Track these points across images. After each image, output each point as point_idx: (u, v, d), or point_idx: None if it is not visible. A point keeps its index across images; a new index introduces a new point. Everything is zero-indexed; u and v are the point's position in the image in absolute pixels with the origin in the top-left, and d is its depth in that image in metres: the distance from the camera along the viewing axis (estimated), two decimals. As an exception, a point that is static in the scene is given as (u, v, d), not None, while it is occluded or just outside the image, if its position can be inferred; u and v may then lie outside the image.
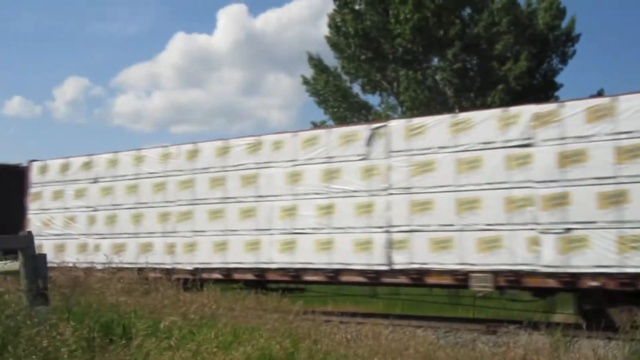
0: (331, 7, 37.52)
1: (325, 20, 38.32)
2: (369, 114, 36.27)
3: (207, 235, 18.90)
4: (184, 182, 19.42)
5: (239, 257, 18.18)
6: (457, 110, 25.55)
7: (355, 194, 16.60)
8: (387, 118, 28.19)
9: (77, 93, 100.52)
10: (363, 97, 38.26)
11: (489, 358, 8.35)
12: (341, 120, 36.13)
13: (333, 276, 16.68)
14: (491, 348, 10.63)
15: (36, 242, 17.60)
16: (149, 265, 18.91)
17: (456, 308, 18.56)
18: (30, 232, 8.94)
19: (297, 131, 18.17)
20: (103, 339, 6.88)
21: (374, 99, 38.52)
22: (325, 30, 38.29)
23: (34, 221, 22.04)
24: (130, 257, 19.66)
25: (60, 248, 21.25)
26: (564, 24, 35.65)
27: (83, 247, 20.90)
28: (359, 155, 16.64)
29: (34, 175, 22.46)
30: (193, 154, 19.49)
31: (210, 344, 7.48)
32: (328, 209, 16.95)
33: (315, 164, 17.28)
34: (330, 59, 38.57)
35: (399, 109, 35.80)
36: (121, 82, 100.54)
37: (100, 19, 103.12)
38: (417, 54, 35.28)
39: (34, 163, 22.44)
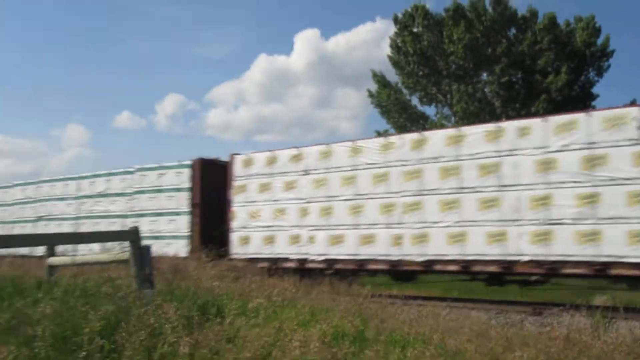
0: (393, 30, 38.11)
1: (387, 42, 38.76)
2: (426, 124, 36.35)
3: (440, 226, 16.58)
4: (410, 173, 17.11)
5: (479, 248, 15.92)
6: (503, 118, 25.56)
7: (627, 182, 14.08)
8: (442, 127, 28.19)
9: (176, 108, 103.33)
10: (420, 108, 38.21)
11: (536, 336, 8.24)
12: (401, 129, 35.98)
13: (601, 269, 14.30)
14: (537, 328, 10.44)
15: (243, 233, 20.06)
16: (370, 257, 17.45)
17: (505, 292, 18.42)
18: (136, 228, 9.13)
19: (546, 116, 16.10)
20: (200, 318, 7.03)
21: (430, 110, 38.41)
22: (387, 50, 38.61)
23: (239, 213, 20.42)
24: (348, 248, 17.81)
25: (270, 239, 19.69)
26: (600, 41, 35.02)
27: (295, 239, 19.04)
28: (630, 140, 13.98)
29: (238, 169, 20.74)
30: (419, 144, 17.18)
31: (291, 322, 7.54)
32: (591, 198, 14.44)
33: (573, 150, 14.78)
34: (392, 76, 38.62)
35: (452, 119, 35.81)
36: (213, 97, 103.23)
37: (195, 44, 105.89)
38: (468, 70, 35.27)
39: (237, 156, 20.91)
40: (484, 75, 35.75)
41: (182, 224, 21.64)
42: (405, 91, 38.02)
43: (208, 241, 19.65)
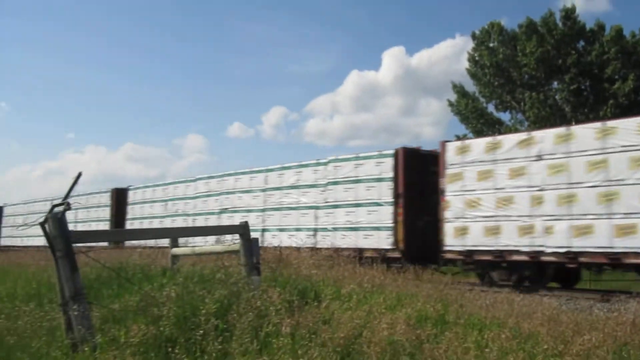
0: (470, 45, 37.80)
1: (465, 56, 38.48)
2: (501, 128, 35.91)
3: None
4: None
5: None
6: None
7: None
8: (517, 131, 27.82)
9: (279, 118, 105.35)
10: (496, 114, 37.76)
11: (604, 321, 7.99)
12: (479, 134, 35.64)
13: None
14: (605, 313, 10.13)
15: (459, 224, 17.49)
16: (630, 250, 14.28)
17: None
18: (246, 223, 9.27)
19: None
20: (300, 302, 7.10)
21: (505, 116, 37.94)
22: (465, 64, 38.28)
23: (454, 203, 17.72)
24: (598, 240, 14.72)
25: (493, 230, 16.76)
26: (664, 50, 33.63)
27: (526, 230, 15.97)
28: None
29: (451, 156, 18.03)
30: None
31: (379, 306, 7.55)
32: None
33: None
34: (470, 86, 38.32)
35: (525, 124, 35.25)
36: (311, 109, 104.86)
37: (295, 62, 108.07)
38: (540, 79, 34.62)
39: (450, 144, 18.51)
40: (555, 84, 34.98)
41: (385, 215, 18.98)
42: (482, 99, 37.66)
43: (412, 232, 18.19)
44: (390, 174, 18.93)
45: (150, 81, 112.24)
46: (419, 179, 18.93)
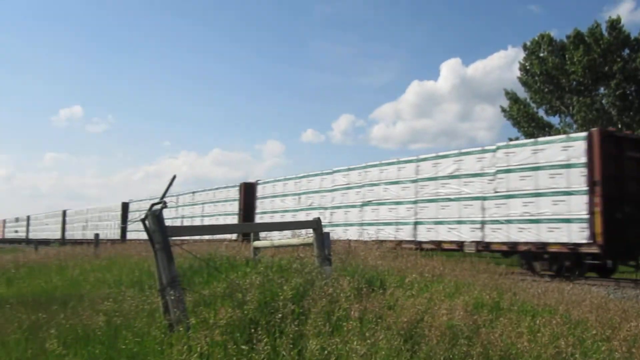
0: (522, 55, 37.59)
1: (516, 66, 38.53)
2: (551, 131, 35.15)
3: None
4: None
5: None
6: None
7: None
8: (565, 133, 27.31)
9: (347, 125, 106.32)
10: (546, 118, 37.23)
11: (649, 309, 7.72)
12: (530, 137, 34.96)
13: None
14: (651, 302, 9.78)
15: None
16: None
17: (622, 270, 17.28)
18: (319, 218, 9.28)
19: None
20: (367, 289, 7.07)
21: (554, 120, 37.36)
22: (516, 73, 38.08)
23: None
24: None
25: None
26: None
27: None
28: None
29: None
30: None
31: (439, 294, 7.46)
32: None
33: None
34: (521, 93, 37.99)
35: (574, 126, 34.37)
36: (376, 116, 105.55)
37: (362, 75, 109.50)
38: (587, 85, 33.84)
39: None
40: (601, 89, 34.17)
41: (576, 205, 15.42)
42: (532, 105, 37.28)
43: (612, 225, 14.92)
44: (583, 159, 15.48)
45: (236, 93, 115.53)
46: (616, 165, 15.87)
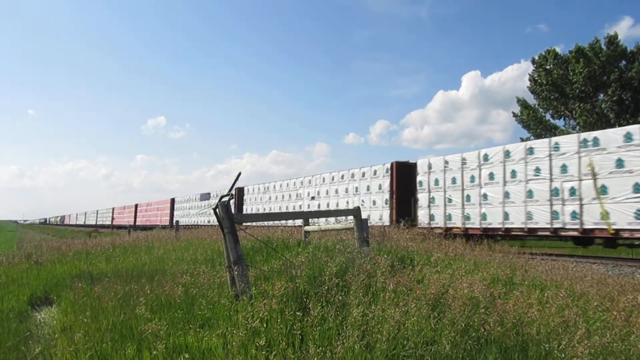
0: (531, 68, 36.87)
1: (527, 77, 37.46)
2: (556, 132, 34.47)
3: None
4: None
5: None
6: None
7: None
8: (568, 134, 26.79)
9: (382, 129, 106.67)
10: (552, 122, 36.46)
11: (644, 284, 7.49)
12: (539, 137, 34.81)
13: None
14: (646, 278, 9.47)
15: None
16: None
17: (619, 251, 16.72)
18: (358, 208, 9.29)
19: None
20: (399, 266, 7.05)
21: (559, 122, 36.62)
22: (527, 83, 37.23)
23: None
24: None
25: None
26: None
27: None
28: None
29: None
30: None
31: (460, 270, 7.37)
32: None
33: None
34: (530, 100, 37.43)
35: (577, 128, 33.59)
36: (406, 121, 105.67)
37: (395, 87, 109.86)
38: (588, 93, 33.07)
39: None
40: (601, 95, 33.22)
41: None
42: (540, 110, 36.65)
43: None
44: None
45: (291, 103, 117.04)
46: None
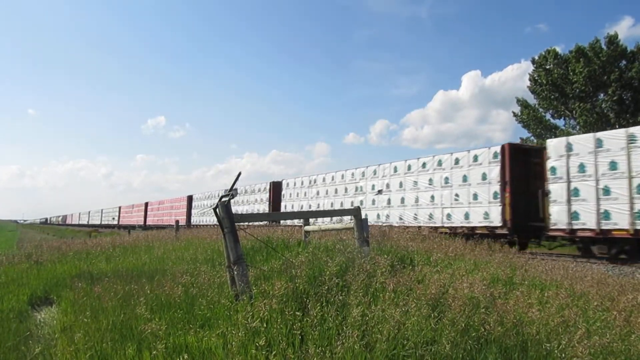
0: (531, 68, 36.66)
1: (527, 77, 37.22)
2: (557, 132, 34.40)
3: None
4: None
5: None
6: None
7: None
8: (569, 134, 26.71)
9: (382, 128, 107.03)
10: (552, 121, 36.33)
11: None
12: (538, 137, 34.95)
13: None
14: (646, 278, 9.47)
15: None
16: None
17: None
18: (358, 207, 9.27)
19: None
20: (399, 266, 7.04)
21: (559, 122, 36.56)
22: (526, 82, 37.08)
23: None
24: None
25: None
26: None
27: None
28: None
29: None
30: None
31: (461, 270, 7.37)
32: None
33: None
34: (531, 99, 37.17)
35: (577, 127, 33.55)
36: (406, 120, 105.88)
37: (395, 87, 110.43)
38: (588, 92, 32.90)
39: None
40: (601, 95, 33.12)
41: None
42: (540, 110, 36.51)
43: None
44: None
45: (291, 103, 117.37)
46: None
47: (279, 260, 7.51)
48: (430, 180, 20.48)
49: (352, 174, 25.99)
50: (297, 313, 4.93)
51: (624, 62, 32.40)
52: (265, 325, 4.80)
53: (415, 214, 20.79)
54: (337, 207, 26.31)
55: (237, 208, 37.03)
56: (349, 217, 8.97)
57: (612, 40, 32.06)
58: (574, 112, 33.77)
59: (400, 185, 22.18)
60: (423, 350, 4.24)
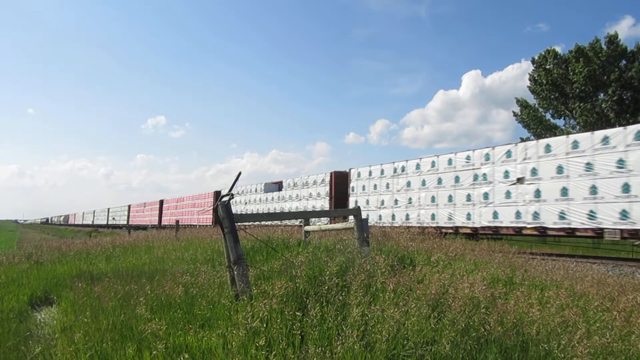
0: (531, 68, 36.78)
1: (527, 76, 37.37)
2: (556, 132, 34.59)
3: None
4: None
5: None
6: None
7: None
8: (568, 134, 26.81)
9: (382, 128, 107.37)
10: (552, 121, 36.43)
11: (644, 284, 7.48)
12: (538, 137, 34.73)
13: None
14: (646, 278, 9.45)
15: None
16: None
17: (619, 251, 16.71)
18: (358, 207, 9.28)
19: None
20: (399, 266, 7.03)
21: (559, 122, 36.64)
22: (526, 82, 37.21)
23: None
24: None
25: None
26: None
27: None
28: None
29: None
30: None
31: (461, 270, 7.36)
32: None
33: None
34: (531, 99, 37.36)
35: (577, 128, 33.57)
36: (406, 120, 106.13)
37: (395, 86, 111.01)
38: (588, 92, 32.98)
39: None
40: (601, 95, 33.11)
41: None
42: (540, 110, 36.55)
43: None
44: None
45: (291, 103, 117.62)
46: None
47: (279, 260, 7.51)
48: (621, 160, 14.21)
49: (467, 157, 19.32)
50: (297, 313, 4.93)
51: (624, 61, 32.43)
52: (265, 325, 4.80)
53: (593, 211, 14.61)
54: (444, 202, 20.07)
55: (283, 205, 31.88)
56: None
57: (612, 40, 32.07)
58: (574, 112, 33.78)
59: (560, 170, 15.63)
60: (423, 350, 4.24)
